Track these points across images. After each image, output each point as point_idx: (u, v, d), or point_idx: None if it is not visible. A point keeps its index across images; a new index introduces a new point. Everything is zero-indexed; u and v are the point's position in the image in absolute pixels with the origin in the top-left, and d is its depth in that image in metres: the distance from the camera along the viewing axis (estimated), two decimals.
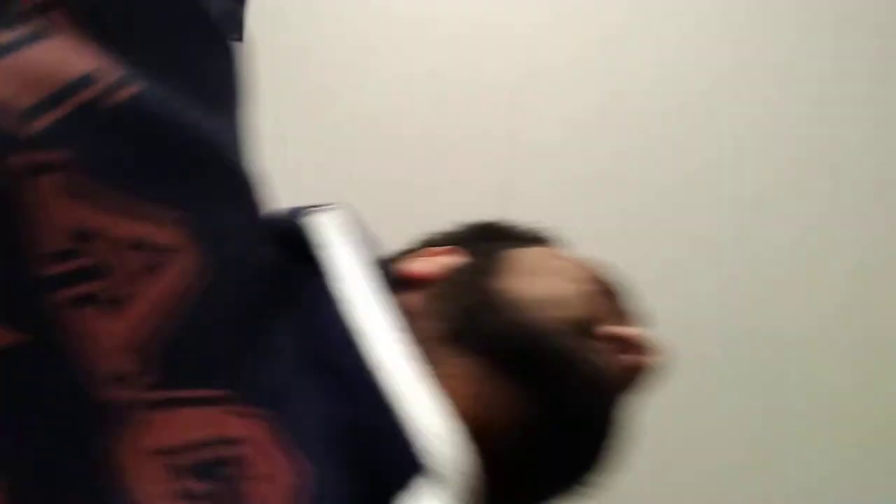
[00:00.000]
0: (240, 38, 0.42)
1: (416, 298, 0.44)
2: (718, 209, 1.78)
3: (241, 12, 0.42)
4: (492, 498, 0.39)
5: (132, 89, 0.30)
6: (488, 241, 0.51)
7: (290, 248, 0.39)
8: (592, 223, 1.75)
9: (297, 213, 0.44)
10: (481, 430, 0.38)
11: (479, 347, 0.41)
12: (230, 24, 0.40)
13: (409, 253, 0.51)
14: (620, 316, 0.46)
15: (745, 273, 1.71)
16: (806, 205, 1.75)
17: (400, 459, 0.33)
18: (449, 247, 0.50)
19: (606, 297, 0.47)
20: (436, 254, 0.49)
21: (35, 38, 0.29)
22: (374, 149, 1.73)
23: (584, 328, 0.43)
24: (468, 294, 0.44)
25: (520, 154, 1.76)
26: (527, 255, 0.48)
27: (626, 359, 0.44)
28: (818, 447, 1.50)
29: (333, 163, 1.73)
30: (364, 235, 0.43)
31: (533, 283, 0.45)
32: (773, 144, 1.80)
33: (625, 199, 1.76)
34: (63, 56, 0.29)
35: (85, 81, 0.29)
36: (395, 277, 0.45)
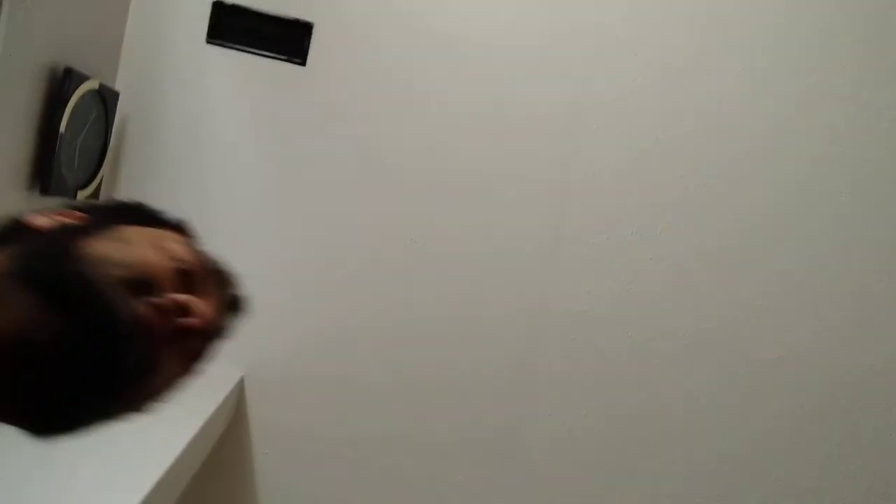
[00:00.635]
0: None
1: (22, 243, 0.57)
2: (770, 248, 1.76)
3: None
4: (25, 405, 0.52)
5: None
6: (118, 215, 0.62)
7: None
8: (644, 252, 1.76)
9: None
10: (22, 347, 0.49)
11: (35, 283, 0.51)
12: None
13: (52, 210, 0.62)
14: (190, 290, 0.56)
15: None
16: None
17: None
18: (80, 213, 0.61)
19: (187, 275, 0.57)
20: (64, 215, 0.60)
21: None
22: (429, 180, 1.76)
23: (138, 287, 0.53)
24: (50, 244, 0.55)
25: (573, 184, 1.76)
26: (134, 232, 0.59)
27: (181, 321, 0.54)
28: None
29: (393, 190, 1.76)
30: None
31: (114, 248, 0.55)
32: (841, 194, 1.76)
33: (676, 230, 1.76)
34: None
35: None
36: (18, 225, 0.58)
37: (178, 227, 0.67)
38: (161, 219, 0.66)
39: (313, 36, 1.75)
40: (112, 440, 1.19)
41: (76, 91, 1.44)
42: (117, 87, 1.68)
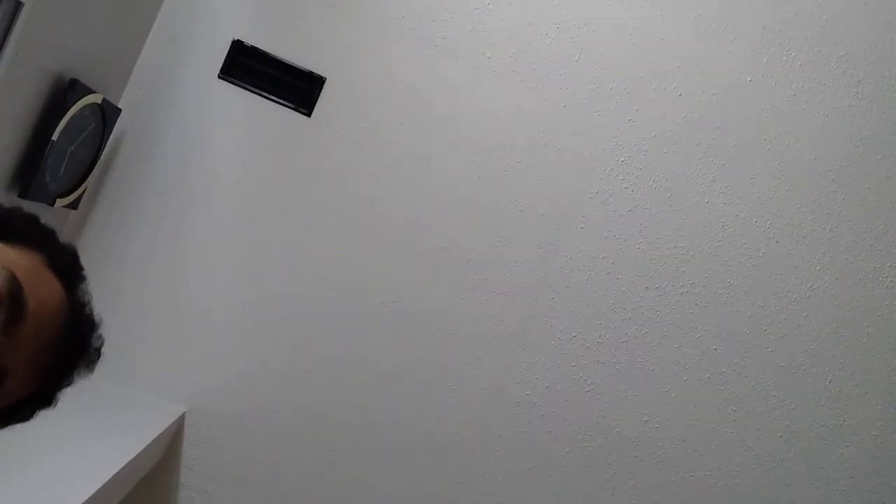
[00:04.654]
0: None
1: None
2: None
3: None
4: None
5: None
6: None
7: None
8: (607, 357, 1.77)
9: None
10: None
11: None
12: None
13: None
14: None
15: None
16: None
17: None
18: None
19: None
20: None
21: None
22: (409, 248, 1.77)
23: None
24: None
25: (550, 278, 1.77)
26: None
27: None
28: None
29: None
30: None
31: None
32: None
33: (641, 340, 1.78)
34: None
35: None
36: None
37: (55, 253, 0.64)
38: (37, 239, 0.64)
39: (324, 90, 1.78)
40: (29, 471, 1.15)
41: (78, 102, 1.45)
42: (121, 104, 1.70)
